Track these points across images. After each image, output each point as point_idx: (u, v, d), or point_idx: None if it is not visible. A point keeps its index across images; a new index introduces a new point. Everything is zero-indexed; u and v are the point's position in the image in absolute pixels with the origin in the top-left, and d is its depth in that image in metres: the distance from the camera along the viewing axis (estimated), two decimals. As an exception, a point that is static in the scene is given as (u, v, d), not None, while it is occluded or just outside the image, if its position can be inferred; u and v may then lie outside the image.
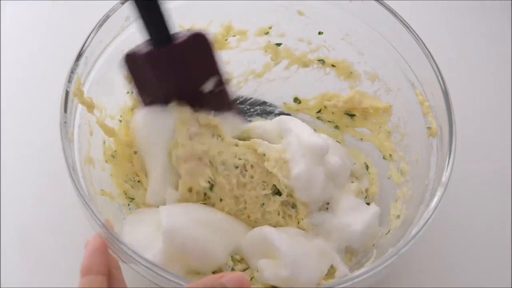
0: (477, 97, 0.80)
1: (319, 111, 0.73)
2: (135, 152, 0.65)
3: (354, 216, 0.63)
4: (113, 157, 0.64)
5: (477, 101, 0.79)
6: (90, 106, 0.60)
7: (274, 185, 0.63)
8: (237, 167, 0.63)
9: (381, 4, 0.64)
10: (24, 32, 0.82)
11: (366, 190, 0.68)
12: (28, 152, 0.72)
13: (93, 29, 0.60)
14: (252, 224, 0.64)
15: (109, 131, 0.63)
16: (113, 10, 0.62)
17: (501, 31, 0.86)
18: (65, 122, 0.55)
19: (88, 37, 0.59)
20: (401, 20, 0.62)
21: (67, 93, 0.56)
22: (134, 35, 0.65)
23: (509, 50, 0.84)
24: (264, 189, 0.63)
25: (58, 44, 0.81)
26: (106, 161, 0.64)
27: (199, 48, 0.61)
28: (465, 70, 0.74)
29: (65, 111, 0.55)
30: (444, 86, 0.58)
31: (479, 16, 0.90)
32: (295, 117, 0.72)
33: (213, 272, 0.60)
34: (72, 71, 0.57)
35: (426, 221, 0.51)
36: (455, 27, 0.88)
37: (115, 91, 0.65)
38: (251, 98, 0.76)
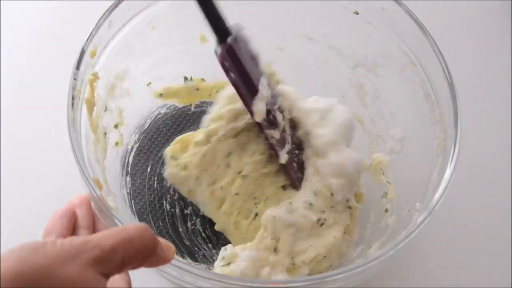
0: (477, 97, 0.79)
1: None
2: None
3: None
4: None
5: (477, 101, 0.78)
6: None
7: None
8: None
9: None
10: (24, 27, 0.83)
11: None
12: (29, 152, 0.72)
13: (122, -5, 0.60)
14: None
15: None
16: (146, -19, 0.62)
17: (501, 31, 0.87)
18: (75, 79, 0.55)
19: (116, 1, 0.59)
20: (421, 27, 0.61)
21: (83, 51, 0.56)
22: (165, 9, 0.65)
23: (509, 50, 0.84)
24: None
25: (60, 40, 0.81)
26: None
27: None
28: (464, 71, 0.72)
29: (78, 68, 0.55)
30: (456, 104, 0.56)
31: (479, 16, 0.90)
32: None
33: None
34: (93, 32, 0.57)
35: (417, 227, 0.49)
36: (454, 28, 0.87)
37: (134, 60, 0.65)
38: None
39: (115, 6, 0.59)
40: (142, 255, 0.40)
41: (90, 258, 0.37)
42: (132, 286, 0.47)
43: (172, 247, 0.44)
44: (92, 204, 0.51)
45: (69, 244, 0.37)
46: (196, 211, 0.67)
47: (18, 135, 0.73)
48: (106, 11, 0.59)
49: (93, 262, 0.37)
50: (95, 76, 0.59)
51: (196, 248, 0.65)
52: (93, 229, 0.52)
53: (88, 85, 0.58)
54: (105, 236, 0.38)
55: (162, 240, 0.43)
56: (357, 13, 0.65)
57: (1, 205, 0.67)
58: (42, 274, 0.35)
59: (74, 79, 0.55)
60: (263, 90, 0.59)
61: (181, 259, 0.62)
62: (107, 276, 0.38)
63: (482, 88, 0.82)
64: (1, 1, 0.82)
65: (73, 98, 0.54)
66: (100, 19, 0.58)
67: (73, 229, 0.50)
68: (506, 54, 0.85)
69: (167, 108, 0.74)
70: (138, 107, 0.70)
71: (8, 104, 0.74)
